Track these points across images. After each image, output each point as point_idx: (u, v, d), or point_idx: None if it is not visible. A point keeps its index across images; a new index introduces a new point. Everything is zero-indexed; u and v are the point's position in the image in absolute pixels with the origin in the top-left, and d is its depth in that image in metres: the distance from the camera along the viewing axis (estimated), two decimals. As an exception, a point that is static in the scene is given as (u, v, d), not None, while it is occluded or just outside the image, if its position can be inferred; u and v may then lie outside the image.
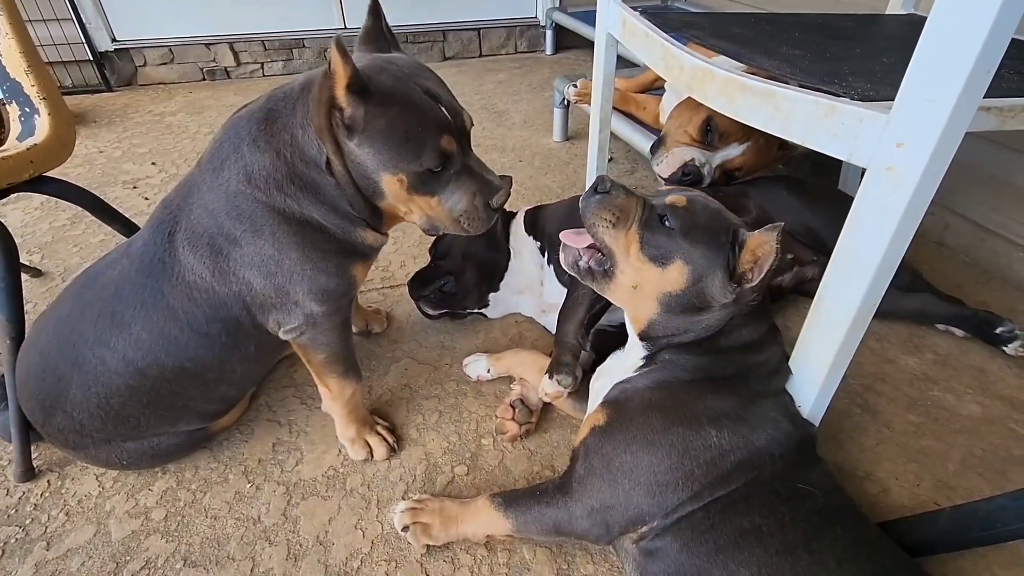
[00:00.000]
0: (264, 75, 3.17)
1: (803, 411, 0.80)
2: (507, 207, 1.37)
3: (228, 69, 3.10)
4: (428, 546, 0.88)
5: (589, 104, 1.88)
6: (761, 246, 0.70)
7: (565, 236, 0.85)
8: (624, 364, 0.84)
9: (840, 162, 1.62)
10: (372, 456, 1.02)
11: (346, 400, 0.99)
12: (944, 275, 1.51)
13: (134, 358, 0.85)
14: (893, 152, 0.58)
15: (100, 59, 2.82)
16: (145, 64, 2.95)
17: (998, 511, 0.76)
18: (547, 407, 1.11)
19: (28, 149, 1.02)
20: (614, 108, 1.85)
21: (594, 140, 1.43)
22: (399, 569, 0.86)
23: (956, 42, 0.50)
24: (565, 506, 0.77)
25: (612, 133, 1.77)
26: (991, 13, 0.48)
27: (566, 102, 2.16)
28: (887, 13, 1.37)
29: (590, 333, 1.08)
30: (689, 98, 1.41)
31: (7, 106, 1.08)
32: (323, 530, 0.92)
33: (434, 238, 1.34)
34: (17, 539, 0.90)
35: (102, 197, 1.20)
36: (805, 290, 1.38)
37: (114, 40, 2.81)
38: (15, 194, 1.05)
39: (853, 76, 0.78)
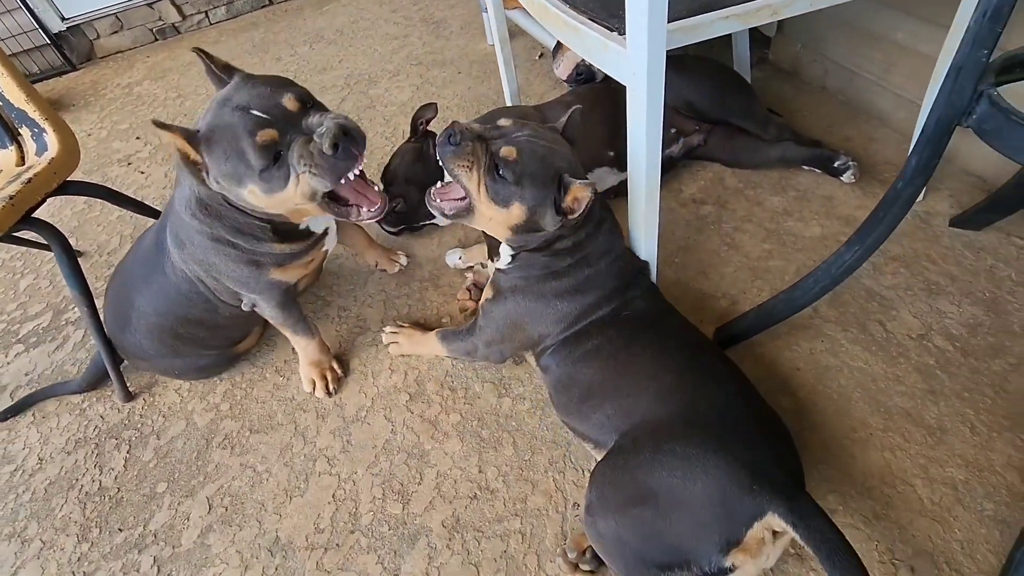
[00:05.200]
0: (211, 23, 3.26)
1: (641, 253, 1.12)
2: (438, 127, 1.63)
3: (176, 25, 3.19)
4: (408, 376, 1.27)
5: (507, 7, 2.04)
6: (581, 193, 0.93)
7: (437, 192, 1.07)
8: (503, 258, 1.14)
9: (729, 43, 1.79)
10: (315, 391, 1.31)
11: (301, 348, 1.30)
12: (822, 116, 1.75)
13: (157, 305, 1.21)
14: (631, 76, 0.85)
15: (57, 40, 2.95)
16: (98, 36, 3.07)
17: (777, 304, 1.10)
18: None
19: (49, 163, 1.31)
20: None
21: (500, 59, 1.63)
22: (392, 412, 1.26)
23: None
24: (471, 340, 1.20)
25: (527, 32, 1.95)
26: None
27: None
28: None
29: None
30: (575, 2, 1.59)
31: (20, 129, 1.36)
32: (337, 397, 1.32)
33: (383, 169, 1.61)
34: (137, 437, 1.33)
35: (103, 178, 1.50)
36: (696, 155, 1.65)
37: (64, 19, 2.93)
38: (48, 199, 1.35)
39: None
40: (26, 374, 1.52)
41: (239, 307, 1.20)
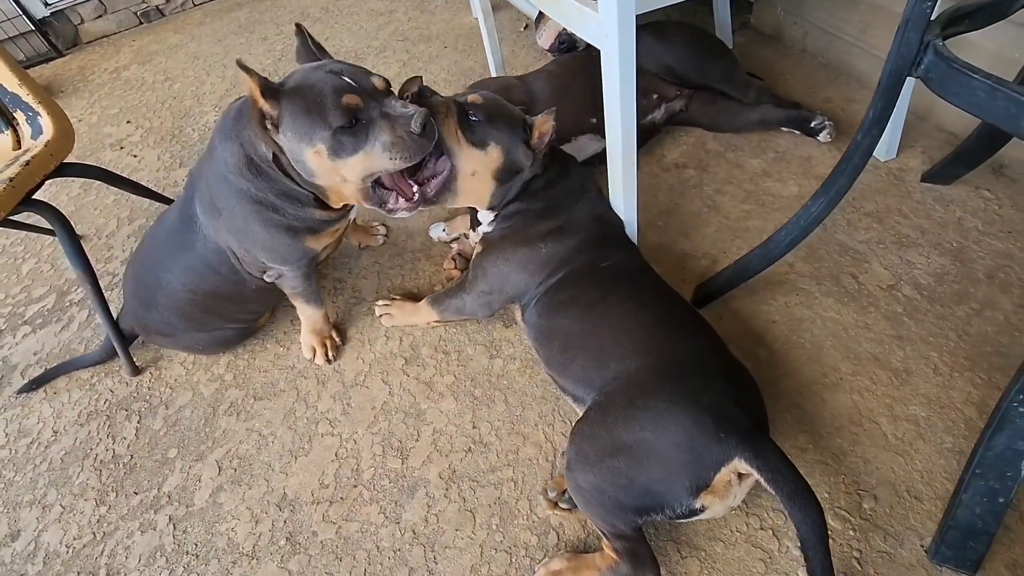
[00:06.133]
0: (195, 4, 3.25)
1: (621, 213, 1.17)
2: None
3: (160, 7, 3.18)
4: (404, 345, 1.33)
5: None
6: (544, 125, 1.05)
7: (415, 180, 1.09)
8: (485, 222, 1.22)
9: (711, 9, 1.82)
10: (314, 358, 1.37)
11: (307, 317, 1.35)
12: (803, 79, 1.78)
13: (185, 281, 1.24)
14: (604, 39, 0.89)
15: (41, 26, 2.95)
16: (82, 21, 3.07)
17: (752, 259, 1.15)
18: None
19: (45, 145, 1.35)
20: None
21: (484, 32, 1.66)
22: (389, 375, 1.32)
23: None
24: (461, 296, 1.26)
25: (511, 4, 1.96)
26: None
27: (474, -21, 2.30)
28: None
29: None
30: (555, -28, 1.61)
31: (15, 113, 1.39)
32: (336, 364, 1.38)
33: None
34: (146, 408, 1.39)
35: (96, 163, 1.53)
36: (678, 120, 1.68)
37: (47, 4, 2.92)
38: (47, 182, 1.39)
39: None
40: (35, 353, 1.58)
41: (263, 279, 1.24)
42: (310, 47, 1.04)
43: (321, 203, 1.12)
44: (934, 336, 1.14)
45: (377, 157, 0.97)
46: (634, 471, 0.87)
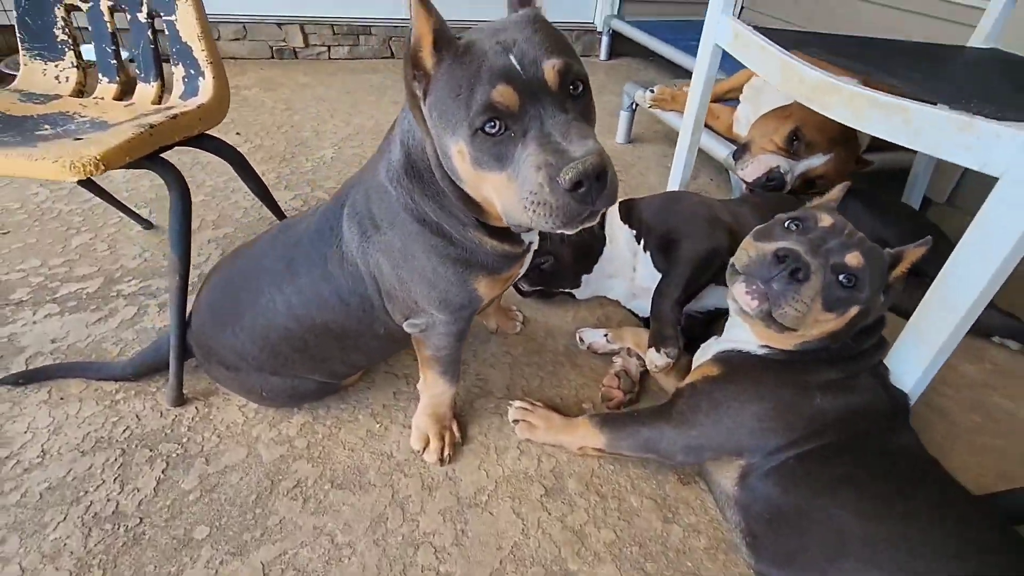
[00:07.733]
0: (330, 58, 3.28)
1: (906, 384, 0.90)
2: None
3: (296, 49, 3.20)
4: (543, 478, 0.98)
5: (664, 109, 2.00)
6: (916, 254, 0.86)
7: (740, 297, 0.87)
8: (746, 338, 0.94)
9: (906, 177, 1.73)
10: (424, 452, 1.04)
11: (433, 394, 1.04)
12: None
13: (294, 305, 0.93)
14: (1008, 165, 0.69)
15: (178, 30, 2.93)
16: (219, 38, 3.06)
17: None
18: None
19: (198, 108, 1.13)
20: (687, 115, 1.96)
21: (684, 143, 1.53)
22: (523, 505, 0.97)
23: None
24: (659, 427, 0.94)
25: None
26: None
27: (634, 106, 2.26)
28: (970, 46, 1.48)
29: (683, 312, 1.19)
30: (776, 108, 1.51)
31: (175, 67, 1.19)
32: (450, 468, 1.02)
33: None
34: (178, 454, 1.01)
35: (195, 161, 1.29)
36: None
37: (194, 13, 2.92)
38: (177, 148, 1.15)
39: (977, 99, 0.88)
40: (52, 340, 1.22)
41: (402, 327, 0.94)
42: None
43: (488, 228, 0.82)
44: None
45: (513, 197, 0.66)
46: None
